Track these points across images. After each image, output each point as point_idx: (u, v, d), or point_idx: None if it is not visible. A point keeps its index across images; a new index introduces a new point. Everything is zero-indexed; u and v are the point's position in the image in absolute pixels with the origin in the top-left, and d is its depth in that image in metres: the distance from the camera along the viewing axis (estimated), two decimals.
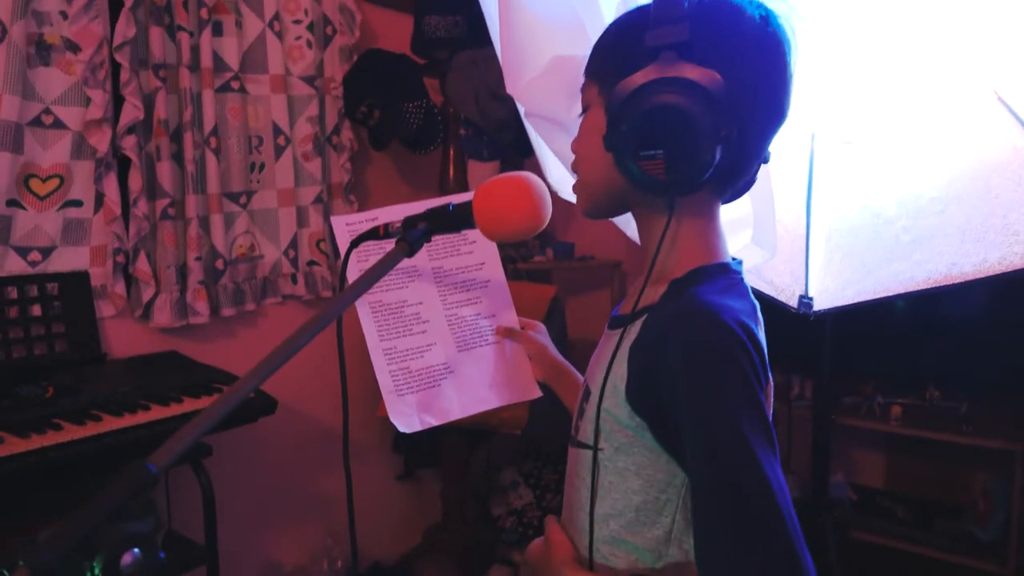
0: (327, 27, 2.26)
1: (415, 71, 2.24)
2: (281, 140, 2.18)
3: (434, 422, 0.99)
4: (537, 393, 1.07)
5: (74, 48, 1.73)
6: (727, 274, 0.76)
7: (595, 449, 0.75)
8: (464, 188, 2.34)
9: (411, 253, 0.79)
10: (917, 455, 2.73)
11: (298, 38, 2.20)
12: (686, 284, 0.74)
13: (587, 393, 0.80)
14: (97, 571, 0.55)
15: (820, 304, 1.32)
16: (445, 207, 0.83)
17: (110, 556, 0.55)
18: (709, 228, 0.78)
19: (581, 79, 0.80)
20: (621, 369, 0.72)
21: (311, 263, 2.27)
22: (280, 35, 2.13)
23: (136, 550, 0.56)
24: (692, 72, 0.67)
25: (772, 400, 0.76)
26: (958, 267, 1.24)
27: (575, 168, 0.83)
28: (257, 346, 2.15)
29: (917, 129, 1.30)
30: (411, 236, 0.80)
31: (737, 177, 0.77)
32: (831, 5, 1.19)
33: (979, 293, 2.13)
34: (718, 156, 0.68)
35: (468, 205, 0.81)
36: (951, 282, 1.24)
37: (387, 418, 2.65)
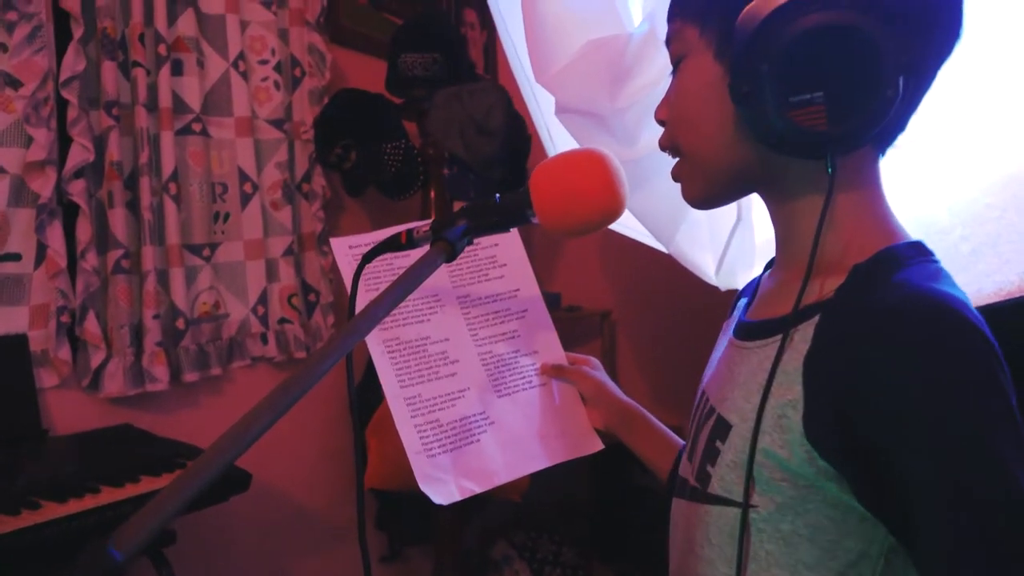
0: (295, 68, 2.11)
1: (393, 111, 2.10)
2: (248, 187, 1.99)
3: (476, 489, 0.79)
4: (598, 445, 0.87)
5: (14, 83, 1.54)
6: (927, 256, 0.58)
7: (745, 506, 0.55)
8: None
9: (452, 256, 0.61)
10: None
11: (264, 79, 2.05)
12: (880, 269, 0.55)
13: (721, 426, 0.60)
14: None
15: None
16: (490, 199, 0.66)
17: None
18: (877, 198, 0.61)
19: (663, 31, 0.64)
20: (791, 392, 0.53)
21: (282, 321, 2.05)
22: (245, 75, 1.98)
23: None
24: None
25: None
26: None
27: (671, 142, 0.66)
28: (224, 415, 1.90)
29: (961, 132, 1.20)
30: (451, 234, 0.62)
31: (906, 121, 0.59)
32: None
33: None
34: (901, 89, 0.51)
35: (523, 192, 0.64)
36: None
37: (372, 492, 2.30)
